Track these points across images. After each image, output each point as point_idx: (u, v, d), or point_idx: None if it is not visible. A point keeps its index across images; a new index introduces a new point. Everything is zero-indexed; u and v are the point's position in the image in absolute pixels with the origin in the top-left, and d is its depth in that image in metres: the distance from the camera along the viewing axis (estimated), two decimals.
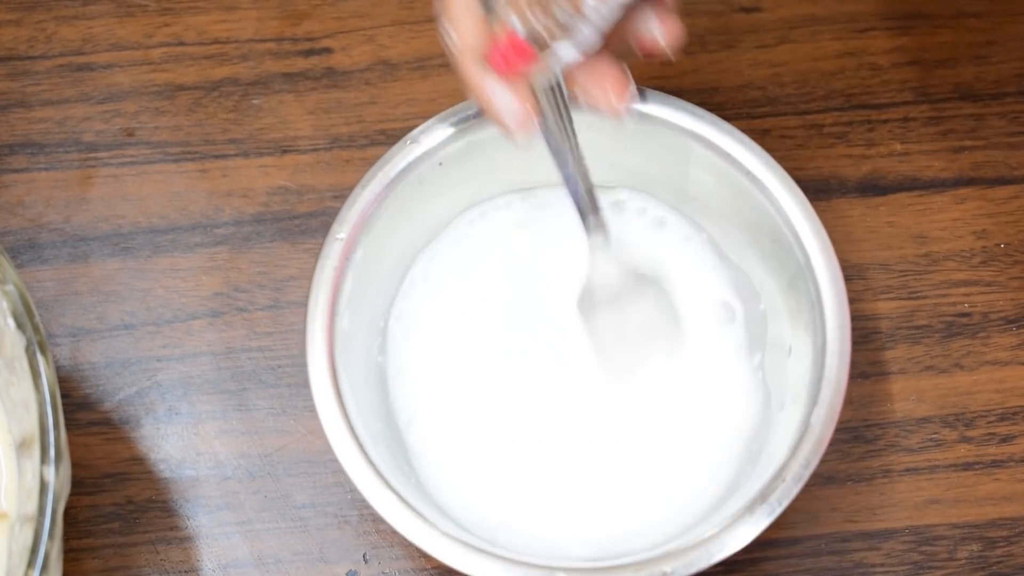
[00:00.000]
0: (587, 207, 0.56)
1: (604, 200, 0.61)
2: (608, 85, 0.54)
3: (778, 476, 0.54)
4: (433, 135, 0.58)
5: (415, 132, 0.58)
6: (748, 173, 0.58)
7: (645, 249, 0.61)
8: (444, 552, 0.53)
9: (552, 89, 0.53)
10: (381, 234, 0.58)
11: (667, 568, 0.52)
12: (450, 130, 0.58)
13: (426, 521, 0.53)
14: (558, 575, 0.52)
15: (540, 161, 0.60)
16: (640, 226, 0.62)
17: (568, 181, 0.56)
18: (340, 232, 0.57)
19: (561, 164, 0.55)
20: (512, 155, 0.59)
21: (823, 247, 0.57)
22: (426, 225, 0.61)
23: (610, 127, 0.58)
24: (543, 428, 0.59)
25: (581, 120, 0.57)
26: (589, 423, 0.59)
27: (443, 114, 0.58)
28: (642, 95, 0.58)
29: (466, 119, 0.58)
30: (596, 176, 0.61)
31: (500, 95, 0.52)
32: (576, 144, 0.55)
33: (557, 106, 0.54)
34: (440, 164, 0.59)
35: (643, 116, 0.58)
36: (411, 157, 0.58)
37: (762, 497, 0.53)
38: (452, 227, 0.62)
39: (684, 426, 0.59)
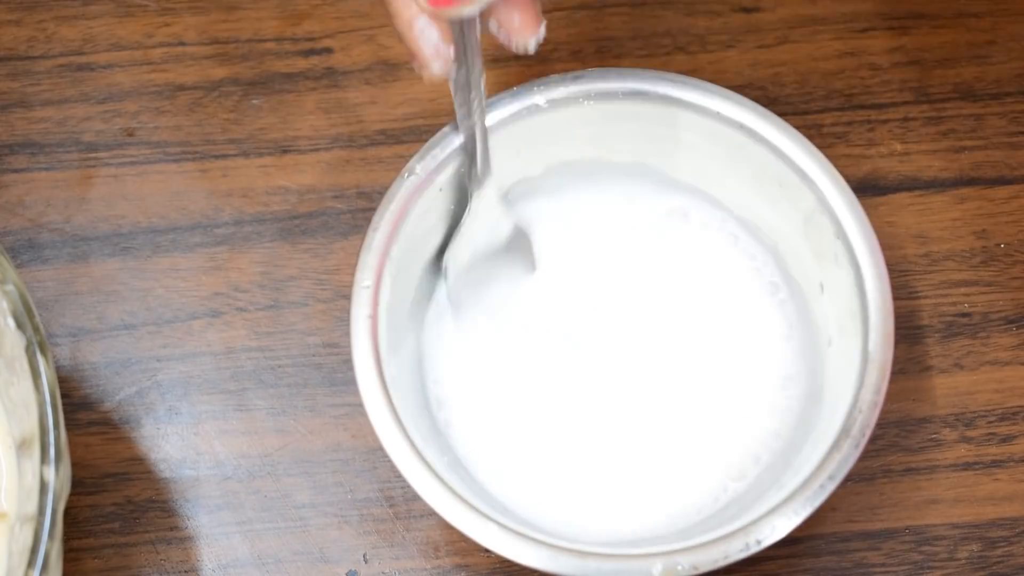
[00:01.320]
0: (477, 155, 0.57)
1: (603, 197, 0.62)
2: (520, 16, 0.54)
3: (854, 408, 0.54)
4: (428, 164, 0.58)
5: (411, 164, 0.58)
6: (741, 126, 0.58)
7: (652, 238, 0.62)
8: (508, 546, 0.53)
9: (463, 24, 0.54)
10: (401, 271, 0.58)
11: (776, 522, 0.52)
12: (443, 155, 0.58)
13: (480, 513, 0.53)
14: (678, 560, 0.52)
15: (533, 161, 0.60)
16: (636, 214, 0.62)
17: (462, 123, 0.56)
18: (365, 280, 0.57)
19: (462, 104, 0.56)
20: (503, 164, 0.59)
21: (833, 179, 0.57)
22: (437, 250, 0.61)
23: (594, 111, 0.59)
24: (584, 412, 0.59)
25: (558, 116, 0.59)
26: (631, 399, 0.59)
27: (432, 140, 0.58)
28: (621, 74, 0.59)
29: (454, 141, 0.58)
30: (583, 169, 0.61)
31: (427, 32, 0.53)
32: (480, 83, 0.55)
33: (467, 43, 0.54)
34: (440, 190, 0.59)
35: (626, 94, 0.59)
36: (412, 189, 0.58)
37: (845, 433, 0.54)
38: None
39: (731, 383, 0.59)
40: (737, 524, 0.53)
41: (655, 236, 0.62)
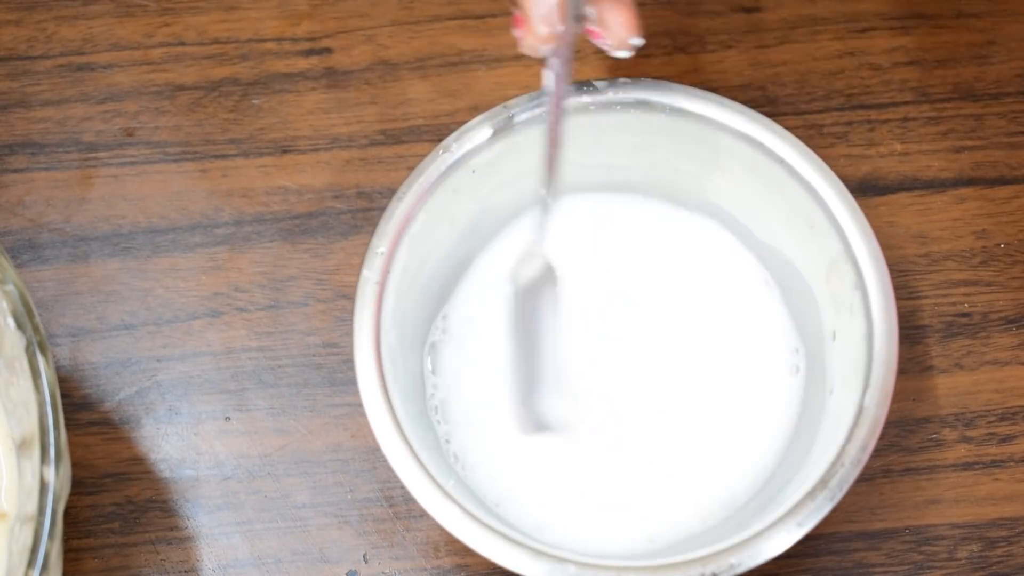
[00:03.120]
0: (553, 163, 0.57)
1: (620, 207, 0.62)
2: (624, 15, 0.55)
3: (837, 461, 0.54)
4: (465, 143, 0.58)
5: (447, 141, 0.58)
6: (782, 161, 0.58)
7: (671, 255, 0.61)
8: (495, 550, 0.53)
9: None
10: (419, 246, 0.58)
11: (733, 560, 0.53)
12: (482, 137, 0.58)
13: (474, 518, 0.53)
14: (629, 575, 0.52)
15: (569, 166, 0.60)
16: (659, 229, 0.62)
17: (551, 114, 0.56)
18: (380, 247, 0.57)
19: (554, 91, 0.56)
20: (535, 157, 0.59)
21: (862, 230, 0.57)
22: (462, 233, 0.61)
23: (638, 121, 0.59)
24: (585, 424, 0.59)
25: (605, 121, 0.59)
26: (629, 418, 0.59)
27: (473, 121, 0.58)
28: (668, 89, 0.59)
29: (497, 125, 0.58)
30: (620, 176, 0.61)
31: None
32: (570, 73, 0.56)
33: (568, 32, 0.54)
34: (473, 172, 0.59)
35: (670, 110, 0.58)
36: (444, 166, 0.58)
37: (822, 483, 0.53)
38: (495, 235, 0.62)
39: (726, 415, 0.59)
40: (699, 553, 0.53)
41: (674, 254, 0.61)
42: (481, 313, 0.60)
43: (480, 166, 0.59)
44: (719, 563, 0.52)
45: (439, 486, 0.53)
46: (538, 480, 0.58)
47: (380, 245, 0.57)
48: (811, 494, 0.53)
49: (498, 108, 0.58)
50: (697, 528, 0.57)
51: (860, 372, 0.55)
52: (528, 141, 0.59)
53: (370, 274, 0.56)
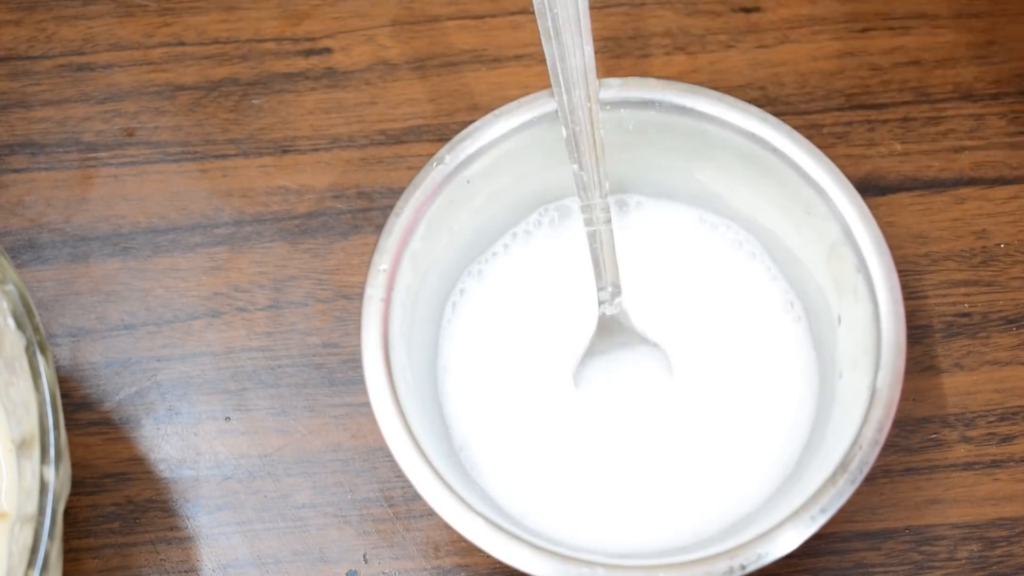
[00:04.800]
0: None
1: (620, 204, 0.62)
2: None
3: (855, 444, 0.54)
4: (458, 153, 0.58)
5: (440, 153, 0.58)
6: (775, 149, 0.58)
7: (673, 251, 0.61)
8: (510, 553, 0.53)
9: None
10: (420, 259, 0.58)
11: (760, 550, 0.52)
12: (475, 146, 0.58)
13: (498, 528, 0.53)
14: (659, 574, 0.52)
15: (566, 167, 0.60)
16: (665, 227, 0.62)
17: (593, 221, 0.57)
18: (382, 263, 0.57)
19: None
20: (538, 166, 0.59)
21: (861, 212, 0.57)
22: (462, 244, 0.61)
23: (631, 118, 0.59)
24: (599, 428, 0.59)
25: (606, 117, 0.58)
26: (643, 418, 0.59)
27: (465, 132, 0.58)
28: (664, 86, 0.59)
29: (489, 133, 0.58)
30: (612, 174, 0.61)
31: None
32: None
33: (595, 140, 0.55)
34: (468, 182, 0.58)
35: (664, 106, 0.58)
36: (439, 178, 0.58)
37: (843, 467, 0.53)
38: (494, 244, 0.62)
39: (744, 408, 0.59)
40: (725, 546, 0.53)
41: (676, 249, 0.61)
42: (486, 322, 0.60)
43: (474, 176, 0.58)
44: (746, 555, 0.52)
45: (462, 501, 0.53)
46: (556, 484, 0.58)
47: (382, 262, 0.57)
48: (832, 479, 0.53)
49: (489, 117, 0.58)
50: (718, 526, 0.57)
51: (870, 355, 0.55)
52: (521, 148, 0.59)
53: (374, 291, 0.56)
